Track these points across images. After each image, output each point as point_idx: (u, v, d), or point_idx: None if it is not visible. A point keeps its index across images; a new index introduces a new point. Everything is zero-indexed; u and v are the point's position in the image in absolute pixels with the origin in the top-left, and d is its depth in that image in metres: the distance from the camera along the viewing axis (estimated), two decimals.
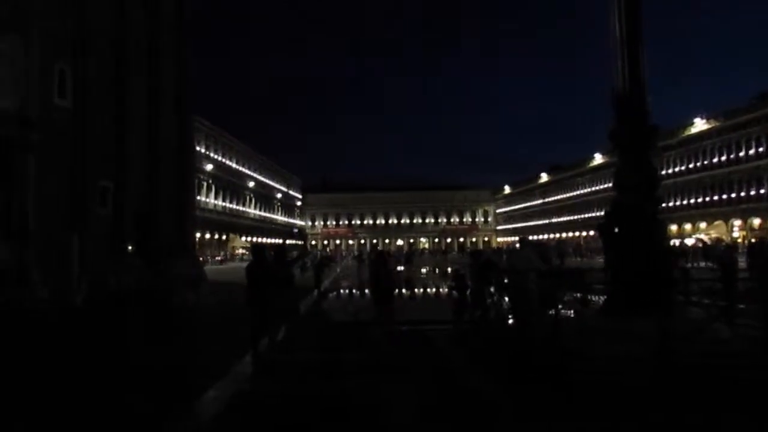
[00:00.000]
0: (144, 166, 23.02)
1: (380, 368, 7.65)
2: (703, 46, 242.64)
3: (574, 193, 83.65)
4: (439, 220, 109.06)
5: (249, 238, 65.39)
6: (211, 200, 61.10)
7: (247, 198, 74.12)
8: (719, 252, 18.35)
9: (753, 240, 35.70)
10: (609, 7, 8.02)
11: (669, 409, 5.25)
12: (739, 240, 46.00)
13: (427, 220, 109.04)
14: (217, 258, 55.56)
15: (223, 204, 64.79)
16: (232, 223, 65.22)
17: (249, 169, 74.13)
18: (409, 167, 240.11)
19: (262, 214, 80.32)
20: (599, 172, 73.65)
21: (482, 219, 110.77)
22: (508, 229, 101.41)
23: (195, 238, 34.13)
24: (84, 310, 14.82)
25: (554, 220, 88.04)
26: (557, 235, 79.40)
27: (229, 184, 66.10)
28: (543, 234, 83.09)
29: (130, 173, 22.03)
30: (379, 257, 12.49)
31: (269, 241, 68.53)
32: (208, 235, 57.28)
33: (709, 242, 42.25)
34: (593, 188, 76.12)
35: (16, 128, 17.19)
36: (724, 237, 49.44)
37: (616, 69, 7.96)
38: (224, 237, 63.21)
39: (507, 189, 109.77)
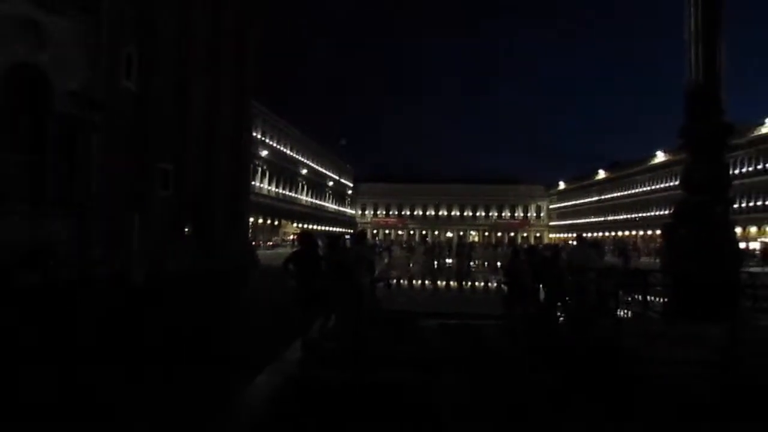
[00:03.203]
0: (203, 150, 23.65)
1: (431, 360, 7.61)
2: None
3: (633, 191, 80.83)
4: (490, 214, 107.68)
5: (301, 225, 66.45)
6: (265, 186, 62.34)
7: (300, 185, 75.25)
8: None
9: None
10: None
11: (732, 419, 4.99)
12: None
13: (478, 213, 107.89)
14: (269, 243, 56.73)
15: (276, 190, 66.01)
16: (284, 209, 66.41)
17: (302, 155, 75.19)
18: (464, 160, 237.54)
19: (314, 201, 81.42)
20: (660, 170, 70.93)
21: (534, 214, 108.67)
22: (561, 225, 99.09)
23: (249, 222, 34.98)
24: (143, 290, 15.35)
25: (610, 217, 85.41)
26: (613, 234, 77.08)
27: (282, 170, 67.24)
28: (598, 232, 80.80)
29: (190, 157, 22.67)
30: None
31: (320, 228, 69.46)
32: (261, 220, 58.56)
33: None
34: (653, 187, 73.35)
35: (83, 108, 17.68)
36: None
37: (690, 62, 7.58)
38: (276, 222, 64.47)
39: (562, 185, 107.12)
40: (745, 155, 59.46)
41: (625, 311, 8.08)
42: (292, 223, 67.31)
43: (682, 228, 7.43)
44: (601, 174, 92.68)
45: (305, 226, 65.69)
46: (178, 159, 22.04)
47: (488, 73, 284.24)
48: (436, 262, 33.21)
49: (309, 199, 79.12)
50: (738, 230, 54.61)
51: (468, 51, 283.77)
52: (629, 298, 8.08)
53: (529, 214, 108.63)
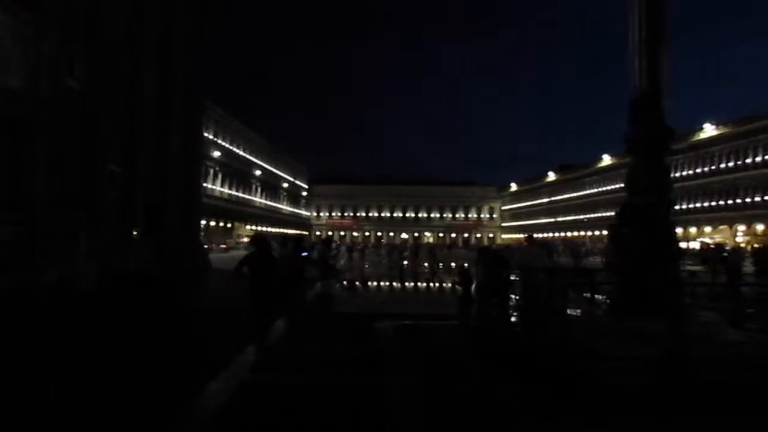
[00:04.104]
0: (153, 151, 23.05)
1: (385, 362, 7.67)
2: (717, 53, 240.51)
3: (582, 193, 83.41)
4: (445, 215, 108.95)
5: (254, 227, 65.52)
6: (218, 187, 61.19)
7: (254, 186, 74.19)
8: (729, 256, 18.32)
9: (757, 245, 35.54)
10: (631, 6, 7.96)
11: (679, 413, 5.26)
12: (743, 245, 45.77)
13: (432, 215, 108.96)
14: (222, 246, 55.64)
15: (230, 191, 64.88)
16: (237, 211, 65.34)
17: (256, 157, 74.17)
18: (418, 162, 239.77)
19: (268, 202, 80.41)
20: (607, 173, 73.46)
21: (488, 215, 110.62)
22: (514, 227, 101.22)
23: (200, 225, 34.24)
24: (90, 295, 14.84)
25: (560, 219, 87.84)
26: (563, 234, 79.27)
27: (236, 172, 66.15)
28: (548, 232, 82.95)
29: (140, 158, 22.07)
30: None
31: (274, 230, 68.65)
32: (213, 223, 57.43)
33: (712, 246, 42.09)
34: (600, 189, 75.89)
35: (26, 108, 17.02)
36: (727, 241, 49.20)
37: (634, 69, 7.92)
38: (229, 225, 63.35)
39: (514, 186, 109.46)
40: (686, 159, 62.35)
41: (574, 310, 8.36)
42: (246, 225, 66.27)
43: (626, 228, 7.75)
44: (551, 176, 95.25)
45: (259, 228, 64.81)
46: (127, 160, 21.41)
47: (437, 76, 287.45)
48: (405, 262, 33.34)
49: (263, 201, 78.10)
50: (679, 230, 57.21)
51: (418, 53, 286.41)
52: (579, 297, 8.37)
53: (482, 216, 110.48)
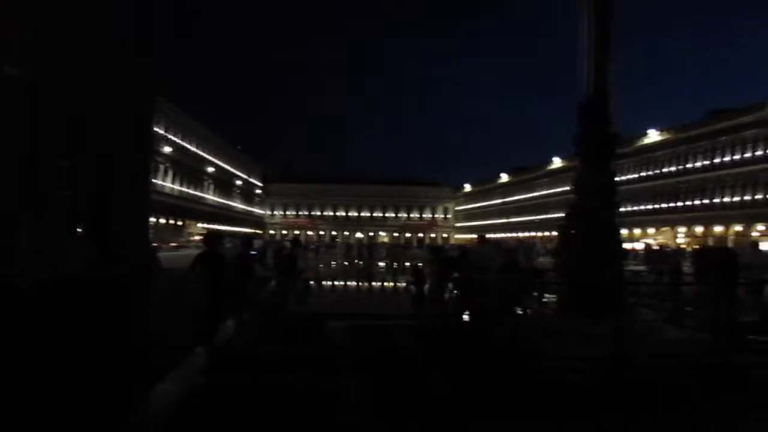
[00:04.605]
0: (101, 145, 22.25)
1: (336, 362, 7.64)
2: (660, 60, 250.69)
3: (533, 195, 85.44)
4: (400, 215, 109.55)
5: (206, 225, 64.17)
6: (168, 184, 59.64)
7: (206, 183, 72.67)
8: (669, 257, 19.10)
9: (697, 246, 37.26)
10: (579, 13, 8.20)
11: (622, 410, 5.45)
12: (683, 246, 47.93)
13: (387, 214, 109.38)
14: (172, 244, 54.26)
15: (181, 188, 63.34)
16: (189, 209, 63.85)
17: (209, 153, 72.65)
18: (374, 162, 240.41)
19: (221, 200, 78.92)
20: (557, 175, 75.43)
21: (442, 215, 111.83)
22: (468, 227, 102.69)
23: (150, 222, 33.26)
24: (30, 294, 14.20)
25: (513, 219, 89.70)
26: (516, 235, 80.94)
27: (187, 168, 64.63)
28: (501, 233, 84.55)
29: (87, 152, 21.26)
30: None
31: (227, 228, 67.41)
32: (163, 220, 55.93)
33: (656, 247, 43.90)
34: (551, 190, 77.86)
35: None
36: (669, 242, 51.43)
37: (583, 75, 8.17)
38: (180, 222, 61.84)
39: (468, 187, 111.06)
40: (632, 163, 64.77)
41: (525, 309, 8.55)
42: (198, 223, 64.82)
43: (574, 230, 7.99)
44: (504, 177, 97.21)
45: (211, 226, 63.48)
46: (74, 154, 20.57)
47: (397, 76, 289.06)
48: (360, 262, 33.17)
49: (215, 199, 76.59)
50: (624, 232, 59.49)
51: (374, 52, 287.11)
52: (530, 297, 8.56)
53: (437, 216, 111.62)
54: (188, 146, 65.15)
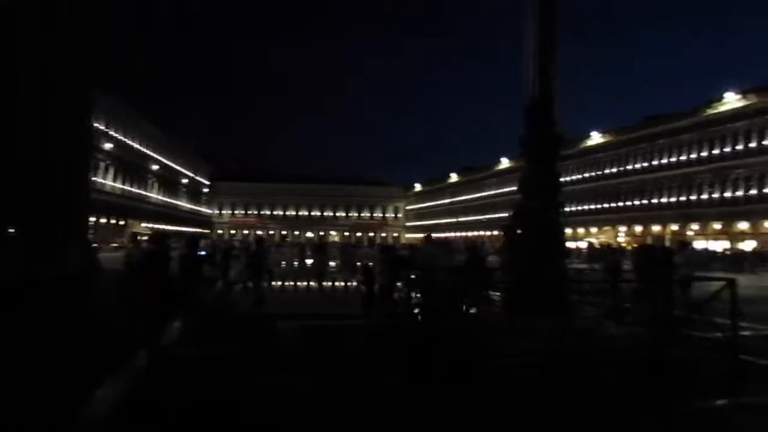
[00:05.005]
0: (34, 140, 21.13)
1: (287, 363, 7.53)
2: (607, 61, 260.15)
3: (482, 194, 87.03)
4: (350, 215, 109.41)
5: (150, 225, 62.19)
6: (109, 182, 57.47)
7: (150, 181, 70.44)
8: (608, 255, 19.80)
9: (636, 245, 38.85)
10: (524, 17, 8.36)
11: (567, 405, 5.58)
12: (624, 244, 49.96)
13: (338, 214, 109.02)
14: (113, 244, 52.28)
15: (123, 186, 61.16)
16: (131, 208, 61.71)
17: (153, 150, 70.43)
18: (324, 161, 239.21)
19: (166, 199, 76.67)
20: (505, 175, 77.09)
21: (393, 215, 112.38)
22: (418, 226, 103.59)
23: (89, 222, 31.93)
24: None
25: (462, 219, 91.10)
26: (465, 234, 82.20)
27: (130, 166, 62.45)
28: (451, 232, 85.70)
29: (18, 147, 20.15)
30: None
31: (172, 228, 65.55)
32: (104, 220, 53.82)
33: (598, 246, 45.53)
34: (499, 191, 79.53)
35: None
36: (611, 241, 53.40)
37: (528, 78, 8.34)
38: (122, 222, 59.67)
39: (418, 187, 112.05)
40: (576, 164, 66.91)
41: (472, 307, 8.65)
42: (141, 223, 62.70)
43: (519, 229, 8.15)
44: (454, 177, 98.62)
45: (155, 226, 61.57)
46: (2, 149, 19.44)
47: (341, 75, 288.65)
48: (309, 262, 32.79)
49: (160, 197, 74.34)
50: (568, 231, 61.47)
51: (319, 52, 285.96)
52: (478, 295, 8.66)
53: (387, 215, 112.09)
54: (131, 143, 62.96)
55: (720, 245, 45.62)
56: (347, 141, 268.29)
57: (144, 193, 68.15)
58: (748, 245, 44.04)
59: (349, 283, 19.85)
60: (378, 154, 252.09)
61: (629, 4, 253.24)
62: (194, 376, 6.75)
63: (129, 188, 62.98)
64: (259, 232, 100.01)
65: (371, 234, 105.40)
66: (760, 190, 47.68)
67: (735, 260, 34.72)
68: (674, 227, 54.69)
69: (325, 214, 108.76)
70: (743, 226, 49.20)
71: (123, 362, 7.30)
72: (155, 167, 70.61)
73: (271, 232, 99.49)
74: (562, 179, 9.16)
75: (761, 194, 47.49)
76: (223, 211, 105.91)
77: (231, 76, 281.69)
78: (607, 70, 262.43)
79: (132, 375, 6.86)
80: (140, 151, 66.02)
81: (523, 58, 8.33)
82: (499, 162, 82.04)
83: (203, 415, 5.41)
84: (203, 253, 13.71)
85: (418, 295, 9.04)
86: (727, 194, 50.70)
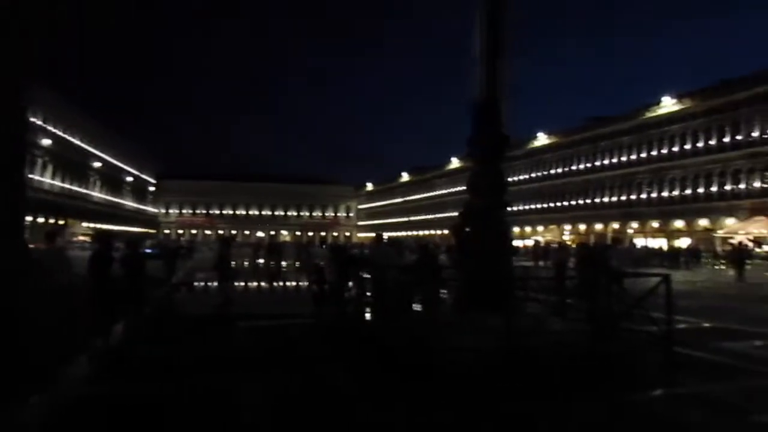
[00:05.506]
0: None
1: (236, 363, 7.42)
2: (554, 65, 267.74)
3: (433, 194, 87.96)
4: (302, 214, 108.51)
5: (93, 224, 59.86)
6: (47, 179, 54.95)
7: (92, 180, 67.78)
8: (551, 253, 20.40)
9: (577, 243, 40.24)
10: (474, 20, 8.50)
11: (514, 398, 5.72)
12: (569, 242, 51.65)
13: (289, 213, 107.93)
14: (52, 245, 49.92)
15: (62, 185, 58.59)
16: (72, 207, 59.19)
17: (96, 147, 67.77)
18: (276, 160, 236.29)
19: (109, 198, 73.97)
20: (455, 175, 78.20)
21: (344, 214, 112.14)
22: (370, 225, 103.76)
23: (25, 221, 30.45)
24: None
25: (413, 218, 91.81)
26: (416, 233, 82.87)
27: (70, 163, 59.88)
28: (402, 231, 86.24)
29: None
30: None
31: (116, 228, 63.26)
32: (42, 219, 51.39)
33: (543, 244, 46.87)
34: (450, 190, 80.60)
35: None
36: (557, 239, 55.06)
37: (476, 80, 8.49)
38: (62, 222, 57.14)
39: (370, 186, 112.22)
40: (523, 165, 68.60)
41: (422, 306, 8.75)
42: (82, 222, 60.27)
43: (467, 228, 8.30)
44: (405, 177, 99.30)
45: (98, 226, 59.28)
46: None
47: (290, 76, 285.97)
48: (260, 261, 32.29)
49: (103, 196, 71.64)
50: (516, 230, 62.68)
51: (268, 52, 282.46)
52: (428, 293, 8.77)
53: (339, 214, 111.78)
54: (71, 139, 60.40)
55: (658, 243, 47.75)
56: (299, 140, 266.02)
57: (85, 191, 65.51)
58: (684, 242, 46.26)
59: (301, 283, 19.71)
60: (330, 154, 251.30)
61: (580, 10, 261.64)
62: (139, 381, 6.56)
63: (69, 186, 60.40)
64: (208, 232, 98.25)
65: (323, 233, 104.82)
66: (694, 190, 50.21)
67: (671, 257, 36.46)
68: (616, 225, 56.87)
69: (276, 213, 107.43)
70: (679, 224, 51.67)
71: (61, 368, 7.01)
72: (97, 164, 67.97)
73: (221, 232, 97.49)
74: (510, 179, 9.40)
75: (695, 194, 50.02)
76: (170, 210, 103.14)
77: (173, 74, 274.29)
78: (554, 72, 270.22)
79: (72, 381, 6.59)
80: (81, 147, 63.42)
81: (473, 60, 8.48)
82: (449, 162, 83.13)
83: (147, 419, 5.27)
84: (149, 251, 13.30)
85: (369, 294, 9.08)
86: (665, 194, 53.14)
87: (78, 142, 62.46)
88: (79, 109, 62.12)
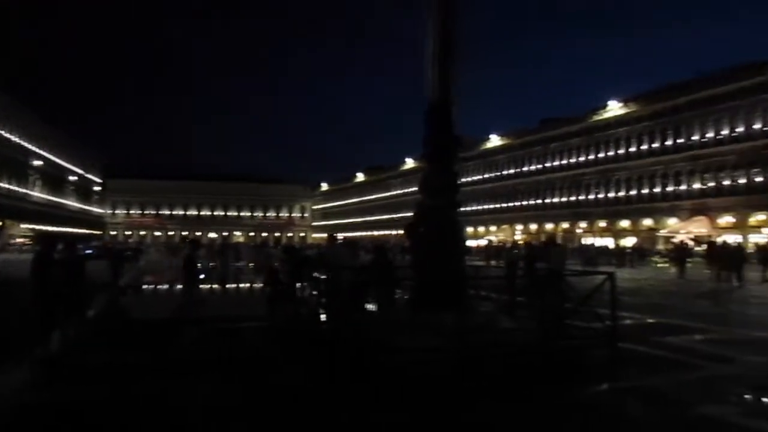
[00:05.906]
0: None
1: (186, 367, 7.22)
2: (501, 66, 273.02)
3: (388, 194, 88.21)
4: (255, 214, 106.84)
5: (32, 225, 57.20)
6: None
7: (31, 179, 64.80)
8: (502, 253, 20.79)
9: (524, 243, 41.18)
10: (425, 23, 8.55)
11: (466, 397, 5.78)
12: (521, 242, 52.75)
13: (242, 213, 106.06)
14: None
15: None
16: (9, 207, 56.39)
17: (35, 144, 64.82)
18: (228, 159, 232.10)
19: (51, 198, 70.89)
20: (410, 175, 78.67)
21: (299, 214, 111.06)
22: (325, 226, 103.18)
23: None
24: None
25: (369, 218, 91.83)
26: (371, 233, 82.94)
27: (6, 161, 57.07)
28: (358, 231, 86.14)
29: None
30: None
31: (58, 229, 60.69)
32: None
33: (495, 244, 47.73)
34: (405, 190, 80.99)
35: None
36: (509, 239, 56.17)
37: (429, 81, 8.53)
38: None
39: (325, 186, 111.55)
40: (476, 165, 69.67)
41: (376, 305, 8.75)
42: (21, 224, 57.51)
43: (421, 228, 8.35)
44: (360, 177, 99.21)
45: (39, 227, 56.70)
46: None
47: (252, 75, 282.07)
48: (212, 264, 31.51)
49: (43, 196, 68.59)
50: (470, 229, 63.53)
51: (224, 48, 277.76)
52: (382, 294, 8.78)
53: (293, 214, 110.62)
54: (8, 136, 57.59)
55: (606, 242, 49.34)
56: (253, 139, 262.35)
57: (24, 190, 62.59)
58: (629, 242, 47.98)
59: (253, 285, 19.39)
60: (284, 153, 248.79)
61: (535, 12, 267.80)
62: (84, 388, 6.30)
63: (6, 186, 57.58)
64: (157, 233, 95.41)
65: (277, 234, 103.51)
66: (639, 191, 52.15)
67: (618, 255, 37.80)
68: (565, 225, 58.49)
69: (228, 213, 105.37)
70: (625, 224, 53.57)
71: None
72: (38, 163, 65.03)
73: (171, 233, 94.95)
74: (463, 180, 9.51)
75: (640, 195, 51.96)
76: (117, 211, 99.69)
77: (130, 74, 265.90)
78: (508, 74, 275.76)
79: (11, 389, 6.26)
80: (19, 144, 60.56)
81: (425, 61, 8.52)
82: (404, 162, 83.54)
83: (69, 428, 5.07)
84: (89, 251, 12.79)
85: (323, 295, 9.02)
86: (611, 194, 54.99)
87: (16, 139, 59.63)
88: (19, 104, 59.32)
